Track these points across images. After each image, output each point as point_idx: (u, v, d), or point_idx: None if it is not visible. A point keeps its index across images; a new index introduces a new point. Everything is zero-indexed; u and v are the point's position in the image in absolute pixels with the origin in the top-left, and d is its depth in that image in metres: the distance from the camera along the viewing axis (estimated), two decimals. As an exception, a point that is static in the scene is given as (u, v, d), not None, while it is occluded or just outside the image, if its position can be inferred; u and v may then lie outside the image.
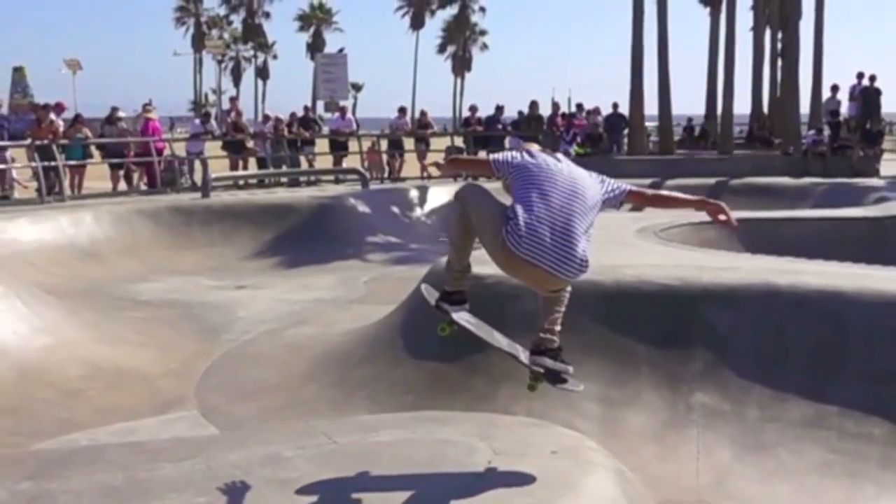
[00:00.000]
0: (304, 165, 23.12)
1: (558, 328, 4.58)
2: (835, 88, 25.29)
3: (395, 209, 19.37)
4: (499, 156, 4.63)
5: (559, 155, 4.65)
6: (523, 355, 4.73)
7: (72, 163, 18.39)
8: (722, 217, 4.56)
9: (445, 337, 4.91)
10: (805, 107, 27.60)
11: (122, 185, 20.02)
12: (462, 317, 4.79)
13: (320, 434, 5.15)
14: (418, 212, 19.90)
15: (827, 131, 24.07)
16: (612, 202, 4.59)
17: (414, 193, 20.40)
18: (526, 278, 4.44)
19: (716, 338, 7.57)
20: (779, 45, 33.23)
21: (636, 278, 8.14)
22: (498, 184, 4.74)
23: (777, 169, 23.14)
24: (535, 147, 4.68)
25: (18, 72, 37.34)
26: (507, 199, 4.50)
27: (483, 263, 8.98)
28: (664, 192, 4.96)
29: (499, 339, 4.94)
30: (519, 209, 4.26)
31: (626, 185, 4.71)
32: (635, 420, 7.20)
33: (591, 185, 4.51)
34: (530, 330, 7.82)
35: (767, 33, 33.05)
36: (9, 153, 18.49)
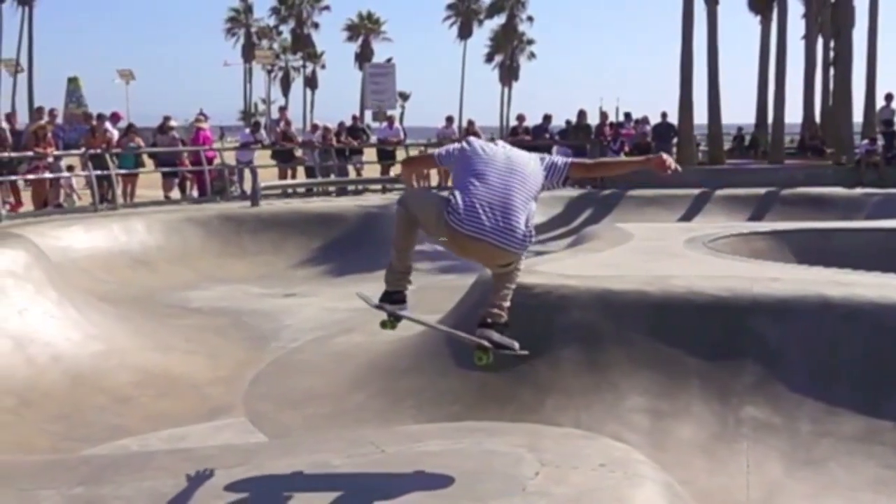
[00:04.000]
0: (352, 174, 23.23)
1: (507, 304, 4.80)
2: (889, 97, 24.86)
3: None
4: (441, 150, 4.94)
5: (499, 141, 4.92)
6: (465, 335, 4.89)
7: (124, 171, 18.65)
8: (666, 169, 4.72)
9: (390, 328, 5.13)
10: (858, 116, 27.21)
11: (175, 194, 20.28)
12: (404, 312, 5.00)
13: (368, 443, 5.16)
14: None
15: (881, 140, 23.69)
16: (556, 176, 4.76)
17: (461, 203, 20.41)
18: (475, 255, 4.64)
19: (767, 350, 7.48)
20: (831, 54, 32.81)
21: (686, 289, 8.08)
22: None
23: (829, 179, 22.80)
24: (473, 137, 4.97)
25: (73, 82, 37.96)
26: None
27: (528, 273, 9.00)
28: (606, 159, 5.21)
29: (439, 326, 5.23)
30: (457, 192, 4.49)
31: (568, 159, 4.91)
32: (685, 433, 7.12)
33: (530, 161, 4.72)
34: (578, 341, 7.85)
35: (819, 41, 32.59)
36: (63, 162, 18.80)
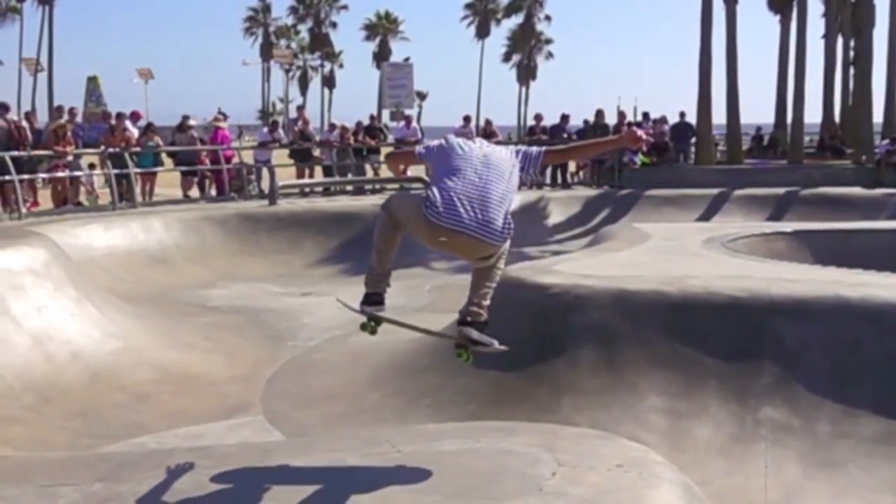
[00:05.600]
0: (370, 174, 23.26)
1: (487, 303, 4.88)
2: (910, 96, 24.71)
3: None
4: (422, 147, 5.09)
5: (476, 138, 5.04)
6: (445, 333, 5.04)
7: (143, 170, 18.72)
8: (638, 141, 4.84)
9: (370, 332, 5.29)
10: (878, 115, 26.98)
11: (194, 192, 20.35)
12: (381, 313, 5.15)
13: (384, 442, 5.17)
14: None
15: (901, 140, 23.51)
16: (531, 165, 4.86)
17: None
18: (455, 249, 4.70)
19: (785, 351, 7.45)
20: (851, 53, 32.60)
21: (703, 289, 8.05)
22: None
23: (849, 179, 22.67)
24: (452, 135, 5.05)
25: (92, 81, 38.20)
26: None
27: (546, 273, 8.98)
28: (578, 143, 5.30)
29: (417, 325, 5.47)
30: (434, 189, 4.57)
31: (542, 147, 5.01)
32: (702, 433, 7.10)
33: (506, 156, 4.80)
34: (595, 340, 7.83)
35: (839, 41, 32.40)
36: (84, 161, 18.87)
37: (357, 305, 5.18)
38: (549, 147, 5.05)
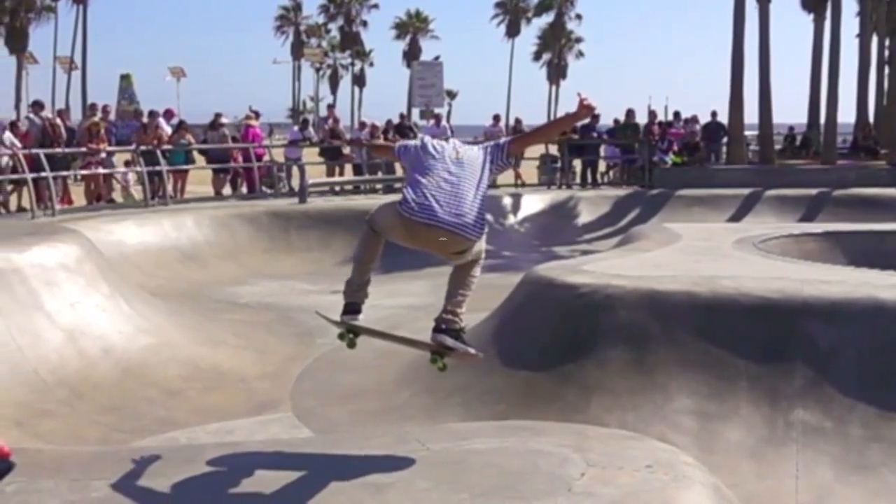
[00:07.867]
0: (399, 172, 23.27)
1: (462, 310, 5.01)
2: (945, 96, 24.37)
3: (488, 216, 19.28)
4: (400, 144, 5.27)
5: (451, 139, 5.16)
6: (422, 339, 5.21)
7: (175, 168, 18.84)
8: (588, 108, 4.88)
9: (348, 344, 5.44)
10: (913, 115, 26.66)
11: (225, 190, 20.45)
12: (356, 322, 5.31)
13: (413, 440, 5.18)
14: (511, 219, 19.79)
15: (936, 141, 23.22)
16: (500, 156, 4.98)
17: (507, 201, 20.31)
18: (431, 244, 4.81)
19: (817, 353, 7.37)
20: (886, 52, 32.26)
21: (734, 290, 7.99)
22: None
23: (882, 180, 22.39)
24: (428, 137, 5.27)
25: (125, 79, 38.36)
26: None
27: (575, 273, 8.95)
28: (540, 126, 5.61)
29: (394, 334, 5.61)
30: (408, 188, 4.76)
31: (508, 137, 5.25)
32: (733, 435, 7.05)
33: (478, 154, 4.94)
34: (625, 341, 7.81)
35: (874, 40, 32.06)
36: (117, 158, 19.06)
37: (336, 318, 5.30)
38: (512, 138, 5.19)
